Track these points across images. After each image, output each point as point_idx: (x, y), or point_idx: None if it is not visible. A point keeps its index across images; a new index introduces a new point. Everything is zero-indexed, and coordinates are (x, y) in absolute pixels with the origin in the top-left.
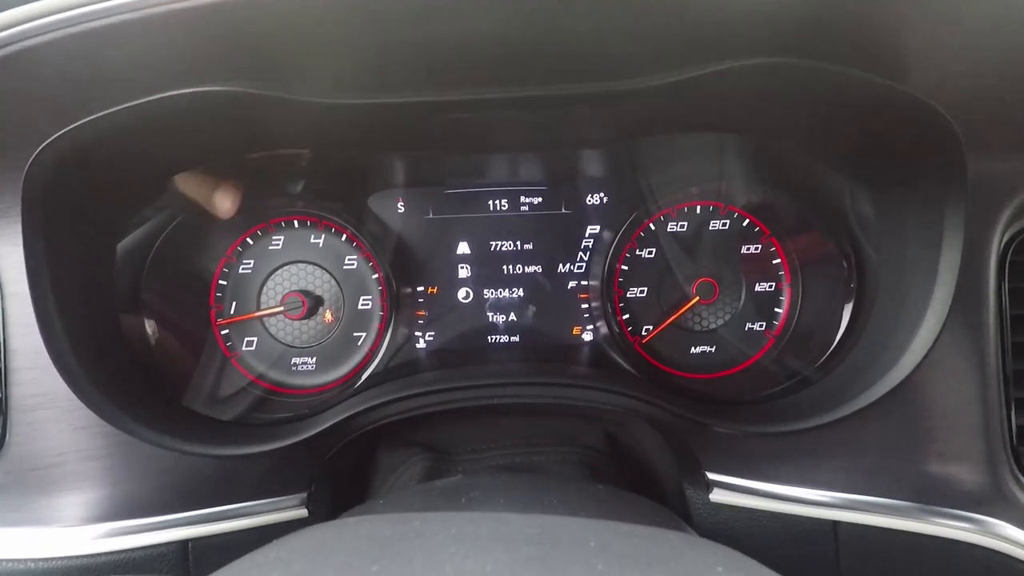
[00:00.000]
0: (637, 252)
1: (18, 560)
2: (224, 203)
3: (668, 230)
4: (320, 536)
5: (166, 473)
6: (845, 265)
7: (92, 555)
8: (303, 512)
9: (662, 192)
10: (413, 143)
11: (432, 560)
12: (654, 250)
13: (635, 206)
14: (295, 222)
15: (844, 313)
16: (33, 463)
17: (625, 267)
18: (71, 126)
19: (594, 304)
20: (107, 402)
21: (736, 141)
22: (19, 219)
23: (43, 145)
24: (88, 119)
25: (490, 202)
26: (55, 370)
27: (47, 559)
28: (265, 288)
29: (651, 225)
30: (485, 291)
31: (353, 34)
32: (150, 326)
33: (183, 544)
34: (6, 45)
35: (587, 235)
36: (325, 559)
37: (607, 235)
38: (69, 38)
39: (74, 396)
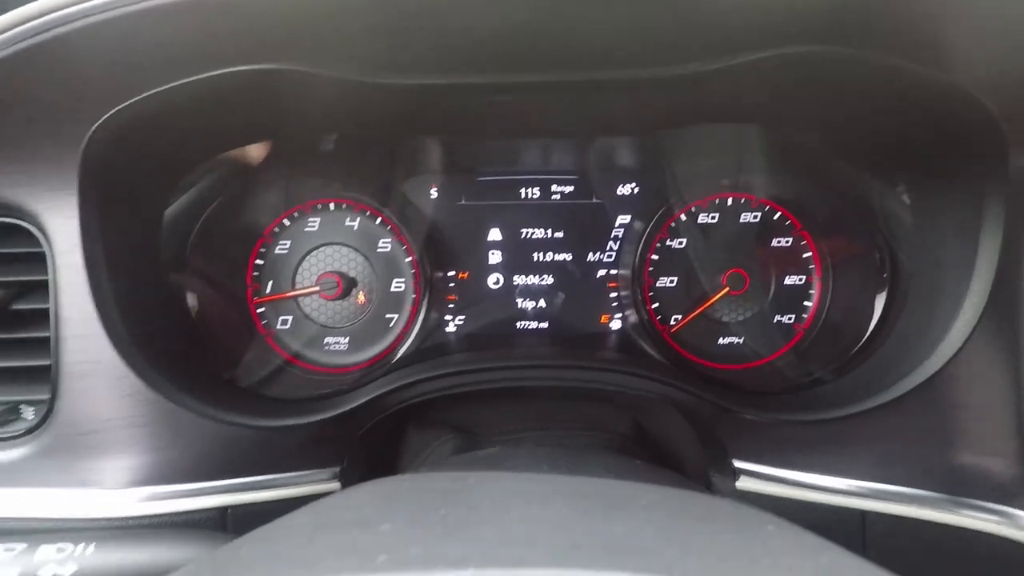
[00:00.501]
0: (667, 242)
1: (64, 520)
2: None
3: (699, 221)
4: (382, 488)
5: (207, 441)
6: (878, 257)
7: (135, 517)
8: (336, 485)
9: (693, 183)
10: (449, 127)
11: (497, 506)
12: (684, 240)
13: (666, 197)
14: (331, 205)
15: (876, 305)
16: (81, 428)
17: (655, 256)
18: (125, 103)
19: (623, 293)
20: (153, 371)
21: (769, 133)
22: (74, 193)
23: (99, 122)
24: (141, 96)
25: (522, 190)
26: (105, 339)
27: (92, 519)
28: (300, 268)
29: (682, 216)
30: (515, 278)
31: (397, 14)
32: (192, 300)
33: (222, 511)
34: (65, 24)
35: (617, 224)
36: (391, 505)
37: (638, 225)
38: (124, 17)
39: (122, 364)
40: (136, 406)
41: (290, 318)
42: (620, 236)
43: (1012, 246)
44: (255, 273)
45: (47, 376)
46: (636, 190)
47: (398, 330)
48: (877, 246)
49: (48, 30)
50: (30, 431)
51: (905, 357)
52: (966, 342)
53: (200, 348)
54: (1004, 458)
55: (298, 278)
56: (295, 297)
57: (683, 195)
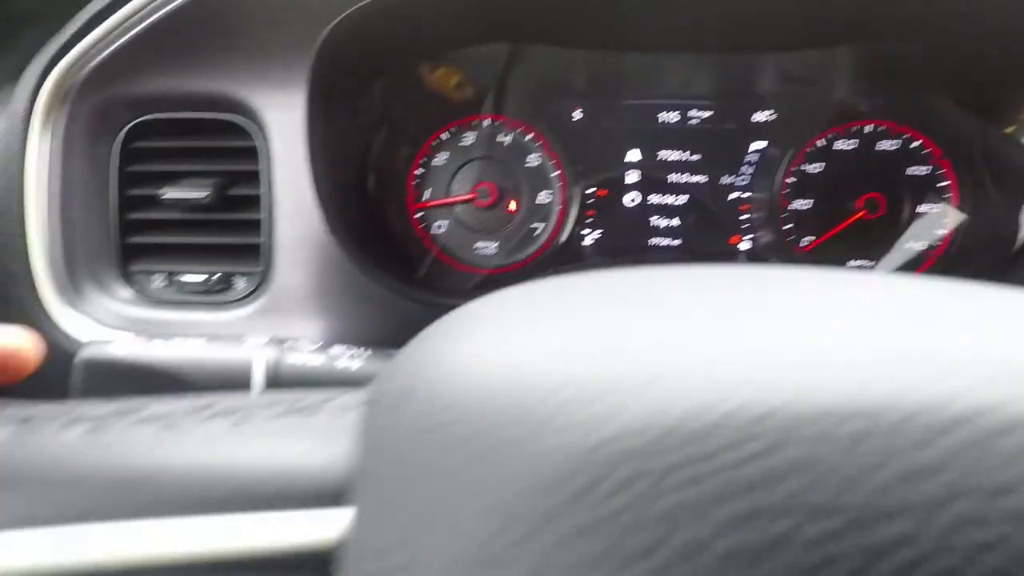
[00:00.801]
0: (803, 167)
1: None
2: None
3: (836, 148)
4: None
5: (389, 315)
6: (1019, 187)
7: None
8: None
9: (832, 109)
10: (598, 38)
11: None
12: (822, 165)
13: (805, 123)
14: (486, 121)
15: (1017, 235)
16: (289, 295)
17: (790, 180)
18: (353, 8)
19: (756, 215)
20: (354, 249)
21: (915, 59)
22: (300, 91)
23: (333, 23)
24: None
25: (661, 114)
26: (316, 218)
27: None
28: (456, 178)
29: (819, 142)
30: (650, 196)
31: None
32: (372, 191)
33: None
34: None
35: (752, 150)
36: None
37: (774, 150)
38: None
39: (332, 241)
40: (337, 278)
41: (445, 223)
42: (755, 161)
43: None
44: (415, 182)
45: (256, 252)
46: (773, 116)
47: (542, 239)
48: (1020, 175)
49: None
50: (244, 297)
51: None
52: None
53: (382, 239)
54: None
55: (453, 187)
56: (452, 204)
57: (821, 122)
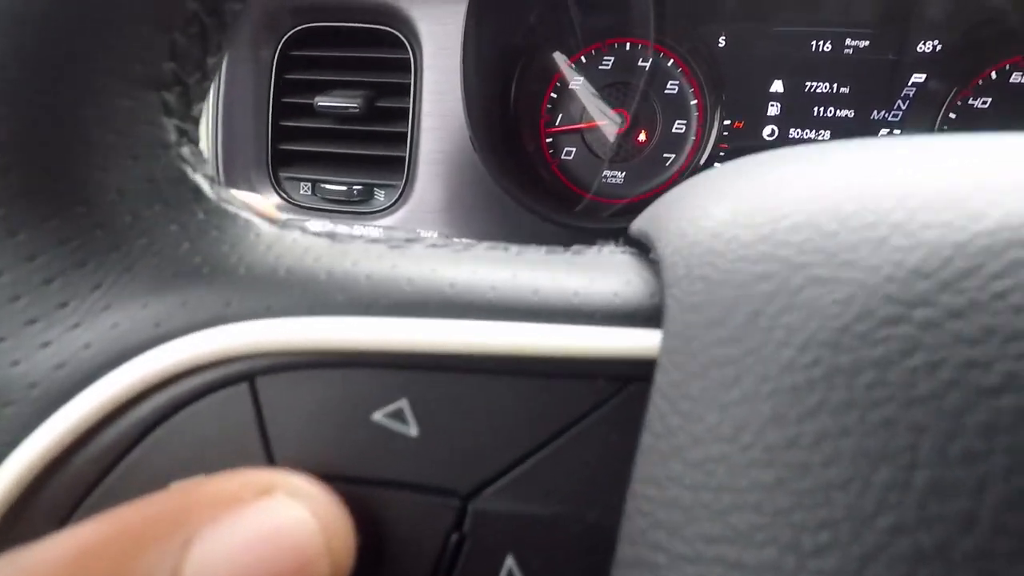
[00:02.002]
0: (970, 101)
1: None
2: None
3: (1011, 81)
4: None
5: (528, 233)
6: None
7: None
8: None
9: (1005, 41)
10: None
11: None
12: (990, 100)
13: (973, 56)
14: (627, 44)
15: None
16: (429, 208)
17: (953, 115)
18: None
19: None
20: (494, 164)
21: None
22: (460, 2)
23: None
24: None
25: (813, 42)
26: (462, 132)
27: None
28: (590, 103)
29: (992, 74)
30: (791, 131)
31: None
32: (509, 116)
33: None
34: None
35: (910, 83)
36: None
37: (934, 84)
38: None
39: (474, 155)
40: (475, 193)
41: (574, 150)
42: (911, 95)
43: None
44: (548, 106)
45: (400, 165)
46: (939, 47)
47: (673, 170)
48: None
49: None
50: (384, 209)
51: None
52: None
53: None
54: None
55: (586, 113)
56: (582, 129)
57: (994, 54)
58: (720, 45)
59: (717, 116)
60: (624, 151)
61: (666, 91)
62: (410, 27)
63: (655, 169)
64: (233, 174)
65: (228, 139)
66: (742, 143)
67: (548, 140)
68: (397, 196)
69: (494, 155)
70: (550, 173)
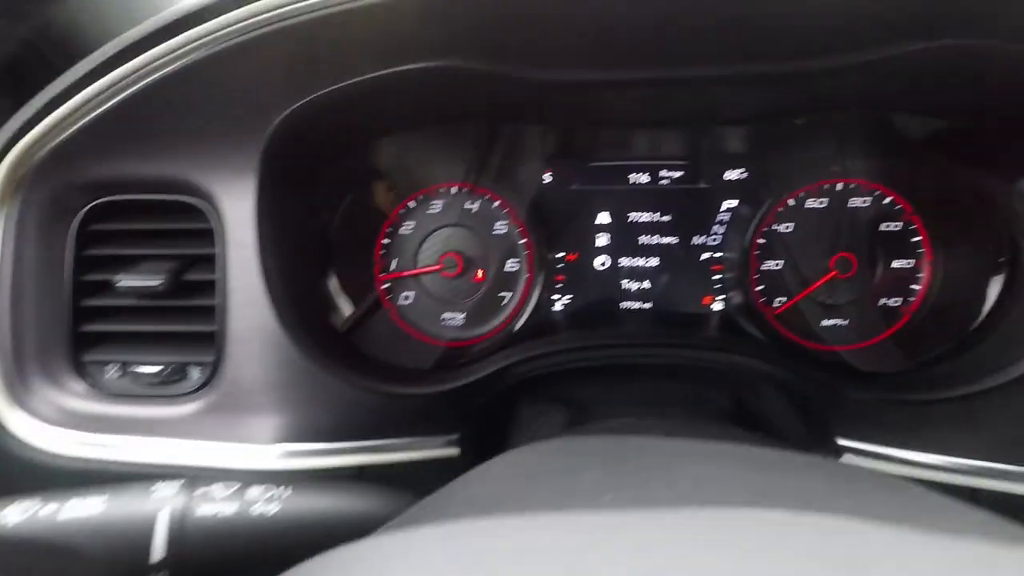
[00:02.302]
0: (775, 226)
1: (221, 470)
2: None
3: (807, 206)
4: (557, 447)
5: (346, 405)
6: (994, 241)
7: (278, 472)
8: (455, 451)
9: (803, 169)
10: (567, 117)
11: (671, 461)
12: (792, 225)
13: (775, 182)
14: (452, 189)
15: (991, 288)
16: (242, 388)
17: (762, 240)
18: (307, 98)
19: (727, 275)
20: (306, 340)
21: (887, 120)
22: (252, 177)
23: (282, 115)
24: (322, 92)
25: (631, 175)
26: (270, 308)
27: (244, 471)
28: (422, 248)
29: (790, 201)
30: (621, 259)
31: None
32: (333, 277)
33: (358, 470)
34: (254, 30)
35: (724, 209)
36: (575, 461)
37: (745, 210)
38: (308, 23)
39: (282, 332)
40: (289, 371)
41: (412, 294)
42: (726, 220)
43: None
44: (382, 252)
45: (211, 341)
46: (745, 175)
47: (511, 308)
48: (994, 230)
49: (246, 33)
50: (197, 389)
51: (1020, 342)
52: None
53: (339, 321)
54: None
55: (420, 256)
56: (418, 274)
57: (792, 180)
58: (545, 182)
59: (548, 251)
60: (461, 292)
61: (495, 232)
62: (210, 199)
63: (493, 308)
64: (26, 364)
65: (17, 325)
66: (577, 274)
67: (385, 286)
68: (210, 375)
69: (305, 330)
70: (387, 320)
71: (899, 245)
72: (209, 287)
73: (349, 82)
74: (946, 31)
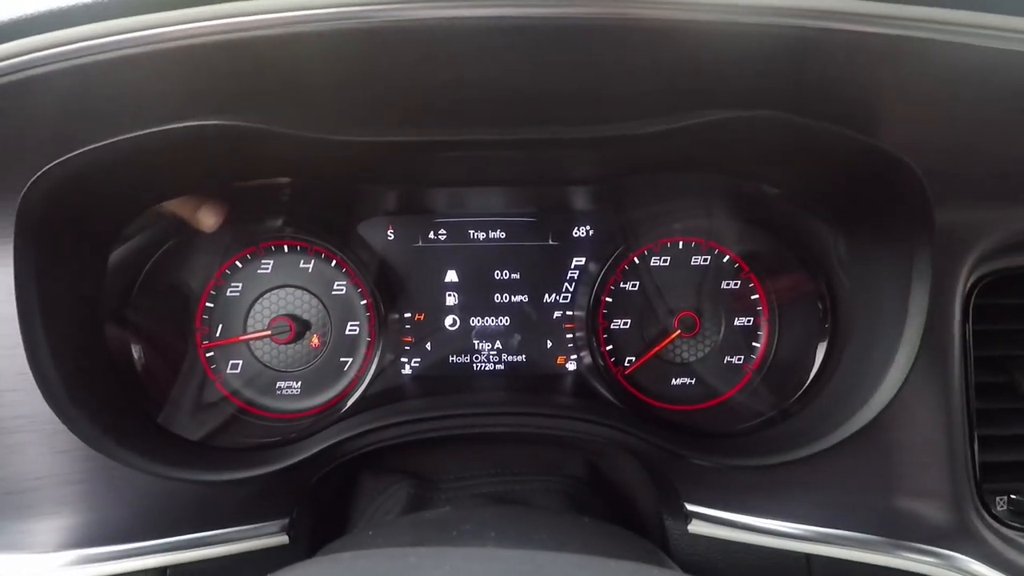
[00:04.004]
0: (621, 284)
1: None
2: (208, 219)
3: (651, 264)
4: (316, 571)
5: (146, 498)
6: (820, 305)
7: None
8: (284, 539)
9: (646, 227)
10: (403, 177)
11: None
12: (638, 283)
13: (620, 240)
14: (284, 247)
15: (818, 351)
16: (9, 487)
17: (609, 299)
18: (67, 156)
19: (579, 334)
20: (90, 425)
21: (721, 182)
22: (8, 243)
23: (39, 174)
24: (84, 150)
25: (478, 232)
26: (38, 393)
27: None
28: (252, 311)
29: (635, 259)
30: (472, 319)
31: (346, 75)
32: (136, 347)
33: (161, 572)
34: (5, 75)
35: (573, 266)
36: None
37: (593, 267)
38: (65, 71)
39: (56, 419)
40: (71, 463)
41: (240, 363)
42: (576, 278)
43: (940, 297)
44: (204, 317)
45: None
46: (591, 232)
47: (352, 373)
48: (820, 293)
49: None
50: None
51: (845, 402)
52: (900, 389)
53: (142, 398)
54: (940, 501)
55: (250, 321)
56: (246, 341)
57: (636, 238)
58: (388, 238)
59: (394, 312)
60: (297, 359)
61: (333, 292)
62: None
63: (333, 374)
64: None
65: None
66: (425, 335)
67: (209, 355)
68: None
69: (90, 415)
70: (213, 392)
71: (739, 303)
72: None
73: (125, 137)
74: (760, 102)
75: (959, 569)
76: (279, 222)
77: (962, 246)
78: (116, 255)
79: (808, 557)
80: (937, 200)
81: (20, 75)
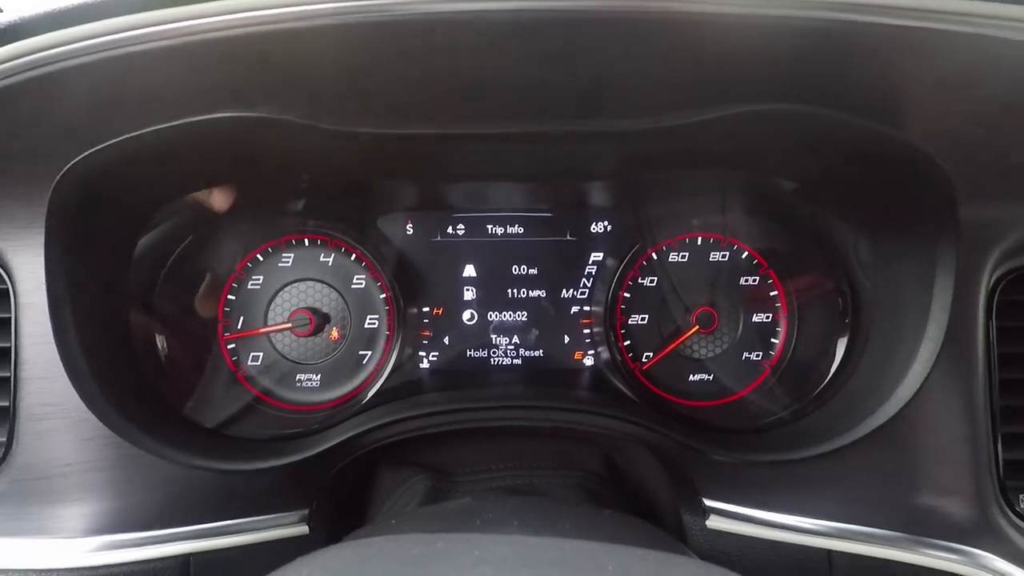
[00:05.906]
0: (639, 280)
1: (17, 571)
2: (225, 203)
3: (670, 260)
4: (347, 555)
5: (170, 486)
6: (840, 301)
7: (92, 568)
8: (304, 529)
9: (665, 223)
10: (422, 171)
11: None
12: (656, 279)
13: (638, 235)
14: (305, 240)
15: (839, 347)
16: (38, 473)
17: (627, 294)
18: (97, 147)
19: (596, 330)
20: (116, 414)
21: (739, 177)
22: (40, 233)
23: (69, 165)
24: (114, 140)
25: (496, 227)
26: (67, 381)
27: (46, 570)
28: (273, 304)
29: (653, 254)
30: (489, 313)
31: (373, 67)
32: (160, 339)
33: (185, 559)
34: (36, 68)
35: (591, 262)
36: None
37: (610, 262)
38: (96, 64)
39: (84, 407)
40: (97, 450)
41: (261, 355)
42: (593, 273)
43: (964, 293)
44: (226, 309)
45: (5, 418)
46: (609, 228)
47: (371, 367)
48: (840, 290)
49: (34, 68)
50: None
51: (866, 399)
52: (923, 385)
53: (167, 389)
54: (962, 498)
55: (270, 314)
56: (266, 334)
57: (654, 234)
58: (407, 232)
59: (413, 306)
60: (317, 352)
61: (353, 285)
62: (1, 259)
63: (352, 367)
64: None
65: None
66: (443, 329)
67: (230, 347)
68: (0, 458)
69: (116, 404)
70: (234, 384)
71: (758, 299)
72: (2, 356)
73: (152, 129)
74: (787, 96)
75: (981, 566)
76: (301, 216)
77: (986, 242)
78: (141, 246)
79: (829, 553)
80: (962, 195)
81: (53, 67)
